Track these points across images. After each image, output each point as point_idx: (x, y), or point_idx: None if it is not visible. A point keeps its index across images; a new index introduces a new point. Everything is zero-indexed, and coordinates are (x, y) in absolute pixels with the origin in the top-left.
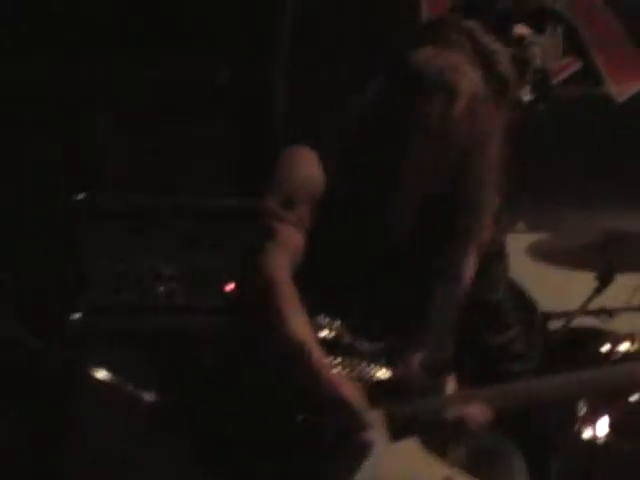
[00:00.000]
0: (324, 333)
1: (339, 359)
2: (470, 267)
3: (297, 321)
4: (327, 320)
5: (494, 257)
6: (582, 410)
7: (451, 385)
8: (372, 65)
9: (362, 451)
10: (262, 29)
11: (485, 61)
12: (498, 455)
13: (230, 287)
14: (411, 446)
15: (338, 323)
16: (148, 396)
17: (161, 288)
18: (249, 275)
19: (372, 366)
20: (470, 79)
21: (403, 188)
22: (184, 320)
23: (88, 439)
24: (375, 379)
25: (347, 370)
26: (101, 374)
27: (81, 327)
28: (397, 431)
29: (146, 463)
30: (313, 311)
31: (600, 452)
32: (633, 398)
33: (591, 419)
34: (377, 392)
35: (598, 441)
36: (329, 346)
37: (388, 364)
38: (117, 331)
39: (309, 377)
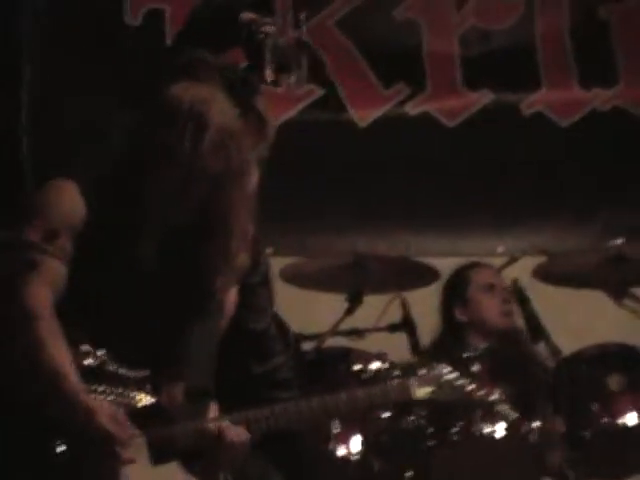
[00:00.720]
0: (88, 361)
1: (103, 386)
2: (231, 298)
3: (56, 351)
4: (90, 348)
5: (257, 287)
6: (336, 428)
7: (213, 411)
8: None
9: (120, 476)
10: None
11: (241, 100)
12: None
13: None
14: (172, 470)
15: (102, 351)
16: None
17: None
18: (9, 306)
19: (135, 393)
20: (220, 112)
21: (150, 218)
22: None
23: None
24: (138, 405)
25: (111, 397)
26: None
27: None
28: (158, 455)
29: None
30: (77, 339)
31: (353, 469)
32: (383, 416)
33: (344, 437)
34: (140, 418)
35: (351, 458)
36: (93, 374)
37: (151, 391)
38: None
39: (66, 405)
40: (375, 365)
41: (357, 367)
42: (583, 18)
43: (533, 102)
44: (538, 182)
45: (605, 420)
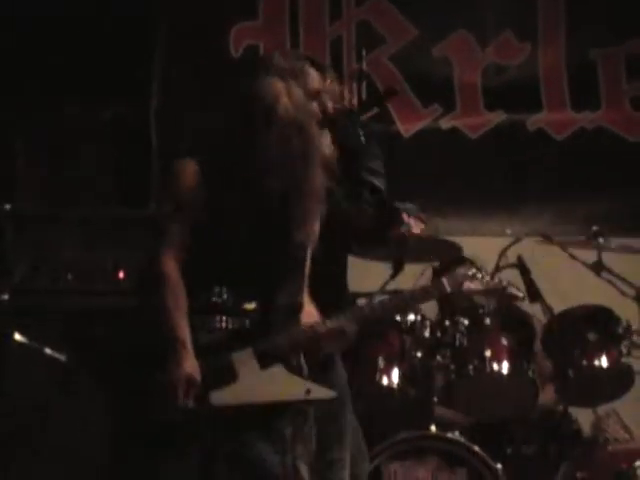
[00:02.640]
0: (215, 298)
1: (224, 316)
2: (316, 231)
3: (175, 306)
4: (218, 289)
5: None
6: (380, 363)
7: (309, 317)
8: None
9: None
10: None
11: (315, 97)
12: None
13: (121, 275)
14: (277, 371)
15: (225, 290)
16: (62, 356)
17: (69, 275)
18: (147, 267)
19: (246, 320)
20: (286, 106)
21: (248, 189)
22: (83, 300)
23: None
24: (246, 326)
25: (230, 324)
26: (22, 338)
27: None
28: (264, 361)
29: (63, 407)
30: (209, 282)
31: (394, 394)
32: (417, 355)
33: (387, 370)
34: (249, 334)
35: (393, 386)
36: (219, 308)
37: (258, 316)
38: (34, 308)
39: (175, 358)
40: (411, 317)
41: (397, 318)
42: (576, 58)
43: (536, 121)
44: (539, 181)
45: (584, 362)
